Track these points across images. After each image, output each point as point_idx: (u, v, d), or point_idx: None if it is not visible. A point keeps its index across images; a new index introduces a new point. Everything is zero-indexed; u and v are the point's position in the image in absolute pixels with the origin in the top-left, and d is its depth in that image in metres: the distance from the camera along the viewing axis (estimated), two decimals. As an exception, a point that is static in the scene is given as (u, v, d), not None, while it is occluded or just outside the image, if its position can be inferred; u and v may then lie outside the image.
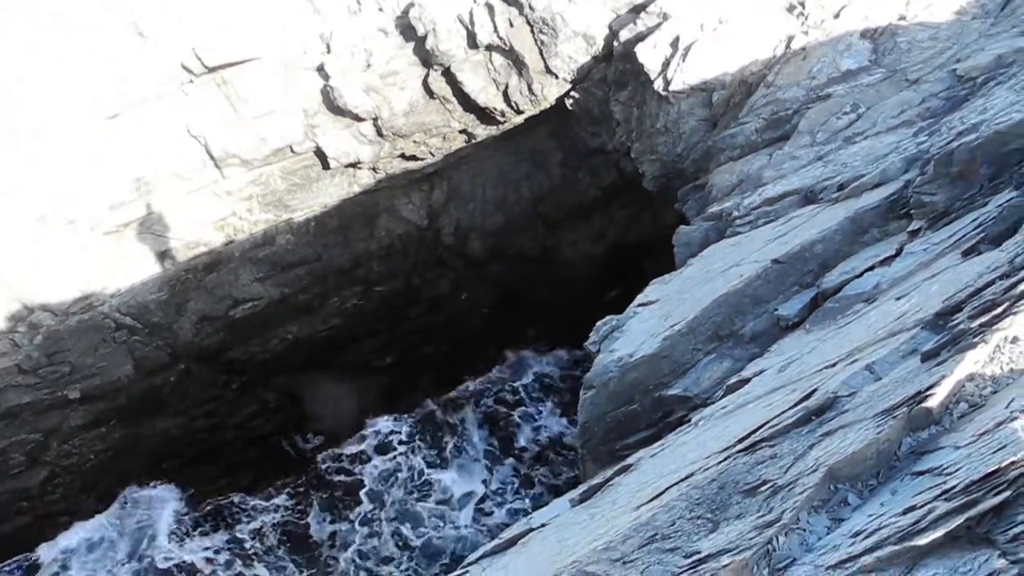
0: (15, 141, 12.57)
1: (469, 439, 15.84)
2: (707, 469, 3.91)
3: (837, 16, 11.19)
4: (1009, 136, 7.16)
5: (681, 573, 3.20)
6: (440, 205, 15.31)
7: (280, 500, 15.24)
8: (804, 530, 3.22)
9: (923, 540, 2.83)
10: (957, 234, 6.51)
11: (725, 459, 3.91)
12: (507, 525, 14.44)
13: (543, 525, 5.52)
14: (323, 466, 15.74)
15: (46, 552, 13.91)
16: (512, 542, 5.33)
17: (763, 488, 3.52)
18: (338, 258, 14.96)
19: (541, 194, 15.40)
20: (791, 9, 11.60)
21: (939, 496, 3.07)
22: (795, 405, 4.26)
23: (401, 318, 15.85)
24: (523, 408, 16.11)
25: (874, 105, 10.18)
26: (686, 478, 3.94)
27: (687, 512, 3.60)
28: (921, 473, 3.28)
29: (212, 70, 13.03)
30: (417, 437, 15.99)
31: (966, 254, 6.01)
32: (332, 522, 15.03)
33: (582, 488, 5.76)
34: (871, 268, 7.38)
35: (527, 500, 14.89)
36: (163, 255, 13.79)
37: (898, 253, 7.33)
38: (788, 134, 10.62)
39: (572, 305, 16.15)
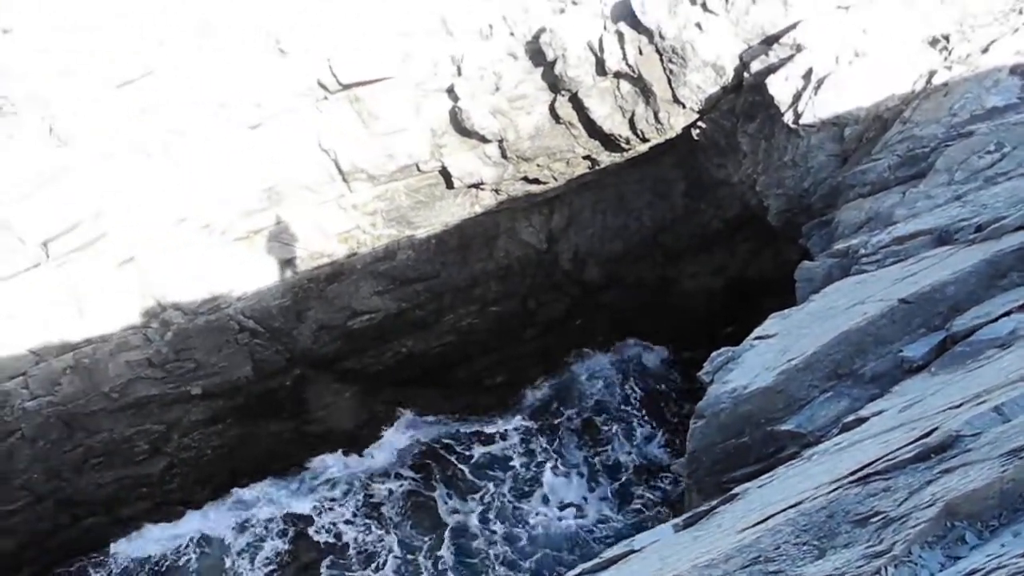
0: (162, 146, 13.32)
1: (570, 453, 15.81)
2: (816, 498, 3.74)
3: (985, 51, 10.72)
4: None
5: (781, 598, 3.06)
6: (560, 230, 15.35)
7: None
8: (916, 564, 3.03)
9: (1048, 586, 2.63)
10: (1104, 281, 6.09)
11: (836, 489, 3.74)
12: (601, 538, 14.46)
13: (643, 549, 5.40)
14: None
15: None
16: (612, 561, 5.23)
17: (874, 519, 3.34)
18: (456, 276, 15.17)
19: (662, 223, 15.25)
20: (934, 43, 11.18)
21: (1069, 544, 2.86)
22: (913, 441, 4.04)
23: (514, 339, 15.92)
24: (626, 429, 15.98)
25: (1021, 145, 9.67)
26: (794, 505, 3.79)
27: (792, 537, 3.45)
28: (1049, 518, 3.06)
29: (346, 87, 13.50)
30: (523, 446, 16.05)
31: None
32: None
33: (686, 515, 5.61)
34: (1007, 313, 6.95)
35: (620, 516, 14.83)
36: (288, 263, 14.28)
37: (1038, 299, 6.90)
38: (924, 172, 10.19)
39: (687, 338, 15.91)
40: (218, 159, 13.42)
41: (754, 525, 3.78)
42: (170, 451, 14.16)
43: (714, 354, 8.46)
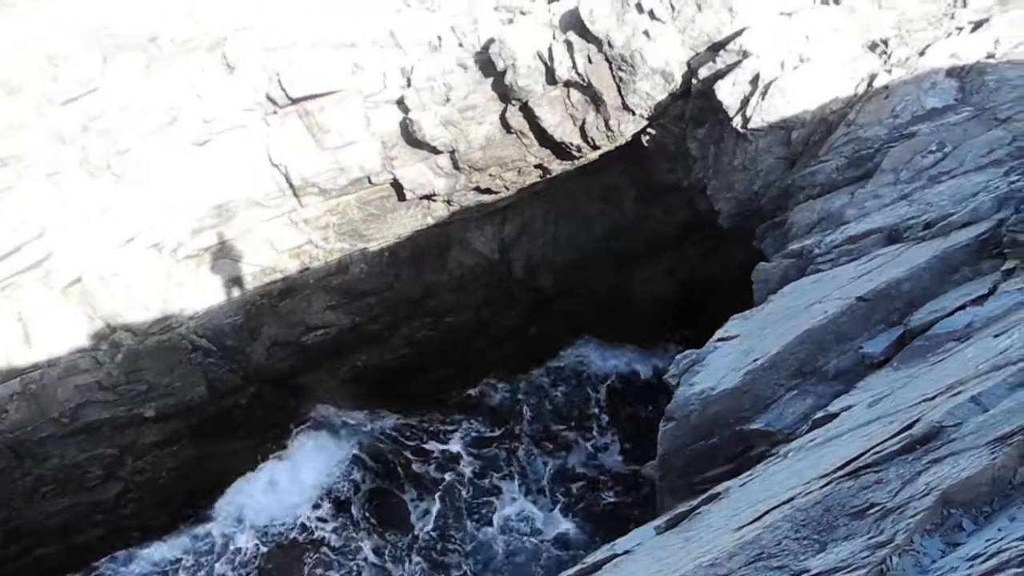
0: (105, 165, 13.05)
1: (529, 464, 15.87)
2: (809, 493, 3.84)
3: (922, 54, 11.07)
4: (1109, 175, 6.98)
5: (790, 591, 3.14)
6: (512, 239, 15.42)
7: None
8: (918, 552, 3.14)
9: (1049, 565, 2.75)
10: (1056, 273, 6.35)
11: (828, 483, 3.84)
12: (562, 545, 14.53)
13: (627, 552, 5.46)
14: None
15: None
16: (597, 567, 5.28)
17: (872, 511, 3.45)
18: (409, 289, 15.14)
19: (613, 230, 15.42)
20: (873, 47, 11.51)
21: (1063, 524, 2.99)
22: (897, 434, 4.17)
23: (470, 349, 15.93)
24: (585, 435, 16.10)
25: (961, 144, 10.00)
26: (787, 501, 3.88)
27: (792, 532, 3.54)
28: (1041, 502, 3.19)
29: (295, 101, 13.40)
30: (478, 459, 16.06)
31: (1067, 292, 5.85)
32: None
33: (666, 516, 5.69)
34: (962, 307, 7.20)
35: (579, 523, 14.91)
36: (239, 280, 14.10)
37: (991, 292, 7.15)
38: (870, 172, 10.47)
39: (641, 341, 16.11)
40: (166, 177, 13.21)
41: (751, 522, 3.86)
42: (124, 475, 13.85)
43: (678, 357, 8.58)
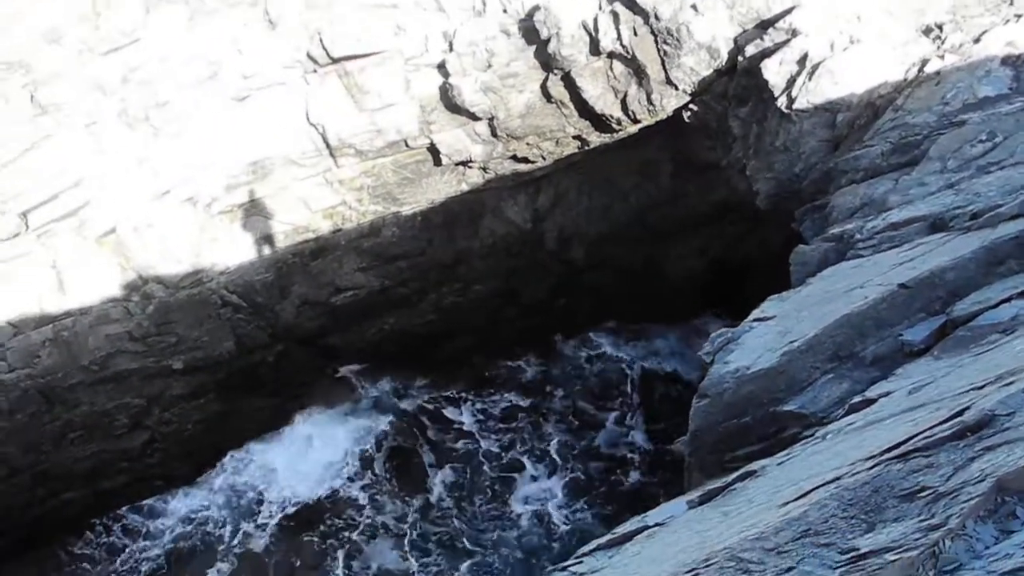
0: (143, 117, 13.08)
1: (553, 437, 15.88)
2: (856, 473, 3.80)
3: (977, 40, 10.84)
4: None
5: (839, 567, 3.11)
6: (545, 209, 15.35)
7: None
8: (972, 537, 3.09)
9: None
10: (1107, 268, 6.22)
11: (876, 465, 3.80)
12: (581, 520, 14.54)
13: (658, 524, 5.45)
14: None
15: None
16: (628, 537, 5.27)
17: (923, 494, 3.40)
18: (441, 254, 15.13)
19: (649, 205, 15.30)
20: (927, 32, 11.28)
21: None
22: (946, 420, 4.11)
23: (497, 318, 15.92)
24: (610, 413, 16.08)
25: (1012, 134, 9.80)
26: (833, 480, 3.84)
27: (840, 511, 3.50)
28: (1095, 494, 3.14)
29: (336, 61, 13.34)
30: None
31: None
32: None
33: (699, 491, 5.67)
34: (1008, 300, 7.08)
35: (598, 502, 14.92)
36: (272, 238, 14.15)
37: (1038, 286, 7.03)
38: (916, 160, 10.30)
39: (670, 320, 16.04)
40: (204, 131, 13.23)
41: (795, 500, 3.83)
42: (151, 425, 14.02)
43: (713, 335, 8.51)
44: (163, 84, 13.03)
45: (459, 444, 15.82)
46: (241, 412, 14.75)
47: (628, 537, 5.47)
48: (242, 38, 13.19)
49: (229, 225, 13.95)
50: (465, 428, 16.02)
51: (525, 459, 15.68)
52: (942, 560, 3.00)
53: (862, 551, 3.13)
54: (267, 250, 14.12)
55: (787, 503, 3.81)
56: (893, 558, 2.96)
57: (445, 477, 15.50)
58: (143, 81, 12.99)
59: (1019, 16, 11.25)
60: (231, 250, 13.92)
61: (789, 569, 3.21)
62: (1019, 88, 10.29)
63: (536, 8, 12.82)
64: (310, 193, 14.12)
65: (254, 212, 14.01)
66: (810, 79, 11.27)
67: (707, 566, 3.44)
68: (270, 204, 13.93)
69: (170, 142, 13.17)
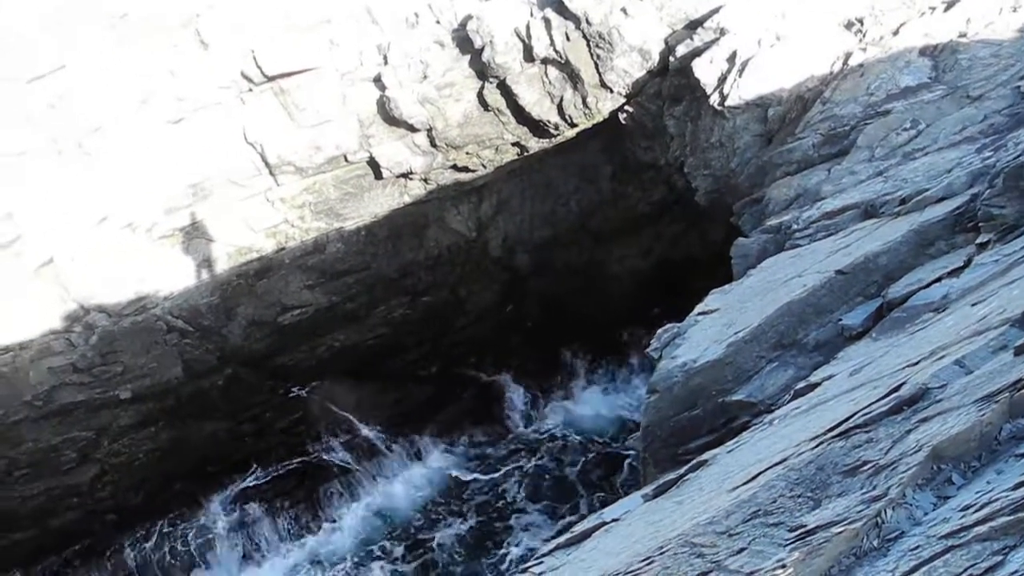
0: (75, 144, 12.87)
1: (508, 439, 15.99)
2: (801, 454, 3.93)
3: (896, 33, 11.20)
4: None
5: (788, 544, 3.22)
6: (488, 217, 15.43)
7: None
8: (912, 505, 3.23)
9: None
10: (1030, 245, 6.48)
11: (819, 444, 3.93)
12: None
13: (615, 520, 5.54)
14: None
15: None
16: (586, 535, 5.35)
17: (864, 468, 3.54)
18: (386, 267, 15.10)
19: (590, 208, 15.47)
20: (849, 26, 11.62)
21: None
22: (884, 396, 4.27)
23: (446, 329, 15.94)
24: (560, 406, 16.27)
25: (934, 122, 10.15)
26: (780, 463, 3.96)
27: (787, 491, 3.62)
28: (1026, 455, 3.29)
29: (271, 79, 13.28)
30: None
31: (1042, 263, 5.98)
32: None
33: (653, 485, 5.77)
34: (938, 279, 7.33)
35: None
36: (215, 260, 13.99)
37: (966, 265, 7.28)
38: (846, 150, 10.60)
39: (616, 320, 16.20)
40: (139, 155, 13.05)
41: (744, 483, 3.94)
42: (100, 458, 13.74)
43: (660, 331, 8.65)
44: (94, 110, 12.84)
45: (411, 454, 15.85)
46: (193, 439, 14.52)
47: (587, 534, 5.56)
48: (174, 60, 13.06)
49: (171, 249, 13.76)
50: (418, 439, 16.03)
51: (475, 467, 15.82)
52: (884, 529, 3.12)
53: (810, 527, 3.24)
54: (211, 272, 13.95)
55: (736, 487, 3.92)
56: (839, 531, 3.08)
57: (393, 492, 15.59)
58: (72, 108, 12.79)
59: (933, 8, 11.65)
60: (174, 275, 13.73)
61: (741, 550, 3.31)
62: (938, 77, 10.65)
63: (469, 17, 12.93)
64: (252, 213, 14.01)
65: (196, 235, 13.85)
66: (740, 76, 11.54)
67: (661, 553, 3.53)
68: (212, 226, 13.78)
69: (105, 168, 12.97)
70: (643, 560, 3.56)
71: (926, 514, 3.20)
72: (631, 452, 14.54)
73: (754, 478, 3.93)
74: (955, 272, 7.29)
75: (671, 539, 3.61)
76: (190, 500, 14.76)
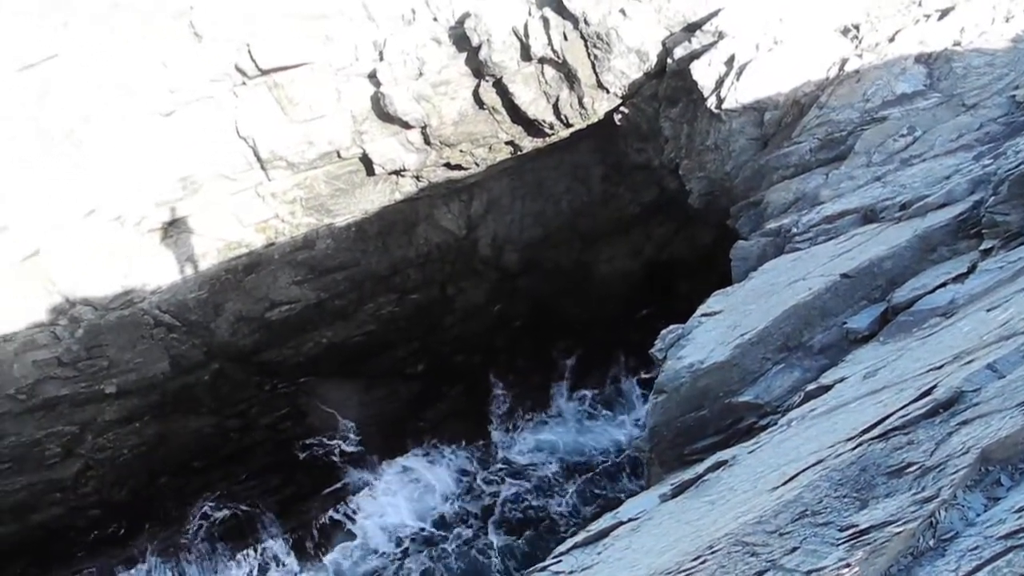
0: (67, 133, 12.69)
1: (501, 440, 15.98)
2: (840, 455, 3.96)
3: (892, 40, 11.33)
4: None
5: (841, 543, 3.24)
6: (479, 216, 15.40)
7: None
8: (963, 506, 3.26)
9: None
10: (1036, 252, 6.59)
11: (857, 446, 3.96)
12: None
13: (632, 519, 5.55)
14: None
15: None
16: (604, 533, 5.35)
17: (910, 469, 3.57)
18: (376, 264, 15.03)
19: (581, 208, 15.49)
20: (845, 32, 11.74)
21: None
22: (917, 399, 4.31)
23: (435, 327, 15.90)
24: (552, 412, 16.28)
25: (930, 129, 10.28)
26: (817, 463, 3.99)
27: (832, 491, 3.65)
28: (1074, 458, 3.33)
29: (265, 72, 13.16)
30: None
31: (1051, 269, 6.07)
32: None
33: (670, 484, 5.79)
34: (943, 284, 7.43)
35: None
36: (203, 254, 13.85)
37: (970, 271, 7.38)
38: (843, 155, 10.71)
39: (604, 320, 16.24)
40: (129, 147, 12.88)
41: (784, 483, 3.96)
42: (84, 452, 13.56)
43: (663, 332, 8.69)
44: (85, 100, 12.66)
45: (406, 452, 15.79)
46: (178, 434, 14.37)
47: (604, 533, 5.56)
48: (166, 52, 12.90)
49: (159, 243, 13.60)
50: (410, 435, 15.97)
51: (465, 462, 15.81)
52: (939, 529, 3.16)
53: (862, 527, 3.27)
54: (199, 267, 13.81)
55: (777, 487, 3.94)
56: (897, 530, 3.11)
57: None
58: (63, 97, 12.60)
59: (928, 16, 11.80)
60: (162, 268, 13.58)
61: (794, 549, 3.33)
62: (933, 85, 10.79)
63: (466, 15, 12.90)
64: (242, 207, 13.88)
65: (185, 229, 13.70)
66: (738, 79, 11.61)
67: (712, 552, 3.54)
68: (201, 220, 13.64)
69: (94, 160, 12.78)
70: (695, 559, 3.57)
71: (978, 515, 3.24)
72: (622, 452, 14.62)
73: (793, 478, 3.96)
74: (959, 278, 7.38)
75: (719, 538, 3.62)
76: (175, 495, 14.59)
